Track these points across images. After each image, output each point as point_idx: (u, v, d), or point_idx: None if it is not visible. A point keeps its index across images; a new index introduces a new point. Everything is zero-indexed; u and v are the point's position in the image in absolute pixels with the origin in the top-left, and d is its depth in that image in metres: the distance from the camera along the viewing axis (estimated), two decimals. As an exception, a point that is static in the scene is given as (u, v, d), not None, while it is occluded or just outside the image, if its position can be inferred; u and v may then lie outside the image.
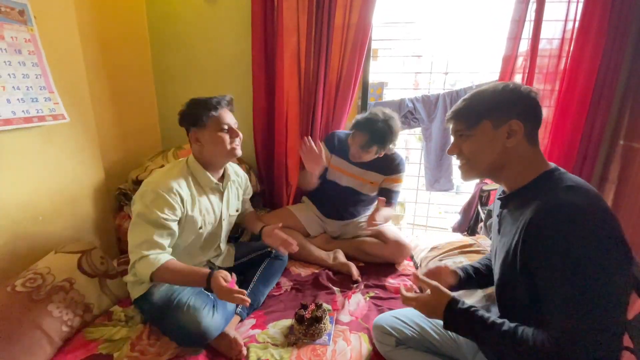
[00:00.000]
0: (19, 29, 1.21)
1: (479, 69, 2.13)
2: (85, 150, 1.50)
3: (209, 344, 1.10)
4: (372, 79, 2.00)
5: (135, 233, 1.08)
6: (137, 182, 1.66)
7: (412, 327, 1.02)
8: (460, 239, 1.64)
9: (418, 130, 2.08)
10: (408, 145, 3.94)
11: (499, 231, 0.84)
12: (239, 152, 1.21)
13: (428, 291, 0.85)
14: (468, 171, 0.84)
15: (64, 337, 1.11)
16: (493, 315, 0.76)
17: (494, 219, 0.89)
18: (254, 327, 1.22)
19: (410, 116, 2.01)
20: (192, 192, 1.17)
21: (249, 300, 1.02)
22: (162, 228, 1.08)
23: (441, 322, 0.99)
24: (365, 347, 1.12)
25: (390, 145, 1.56)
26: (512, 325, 0.71)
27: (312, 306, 1.21)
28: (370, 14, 1.65)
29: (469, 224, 1.89)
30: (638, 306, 0.70)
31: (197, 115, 1.13)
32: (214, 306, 1.12)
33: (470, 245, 1.53)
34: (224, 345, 1.09)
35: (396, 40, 2.33)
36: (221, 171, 1.27)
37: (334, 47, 1.72)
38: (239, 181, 1.40)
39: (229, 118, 1.19)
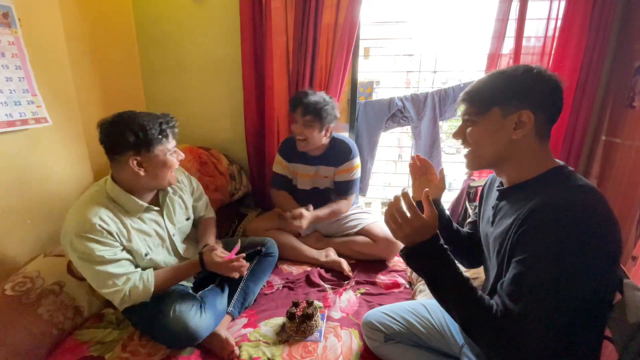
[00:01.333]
0: (3, 31, 1.19)
1: (465, 68, 2.16)
2: (72, 152, 1.49)
3: (201, 344, 1.11)
4: (364, 77, 2.01)
5: (93, 278, 1.01)
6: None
7: (400, 322, 1.03)
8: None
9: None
10: (401, 143, 3.97)
11: (492, 223, 0.82)
12: (175, 181, 1.13)
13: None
14: (472, 160, 0.80)
15: (55, 340, 1.11)
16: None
17: (488, 210, 0.86)
18: (245, 326, 1.23)
19: (399, 115, 2.03)
20: (121, 220, 1.04)
21: (247, 265, 1.12)
22: (114, 262, 1.00)
23: (428, 317, 1.02)
24: (356, 343, 1.14)
25: (327, 118, 1.52)
26: (474, 285, 0.71)
27: (304, 304, 1.23)
28: (357, 13, 1.67)
29: (457, 220, 1.92)
30: (616, 299, 0.71)
31: (149, 141, 0.99)
32: (201, 306, 1.11)
33: (459, 241, 1.56)
34: (216, 346, 1.10)
35: (388, 39, 2.36)
36: (154, 193, 1.14)
37: (321, 47, 1.74)
38: (181, 187, 1.26)
39: (174, 140, 1.08)
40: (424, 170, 1.04)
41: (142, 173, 1.02)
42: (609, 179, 1.64)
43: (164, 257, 1.18)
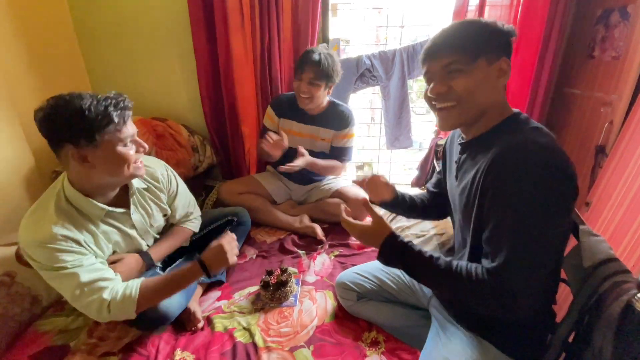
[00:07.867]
0: None
1: (433, 23, 2.08)
2: (3, 131, 1.32)
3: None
4: (333, 35, 1.89)
5: (62, 288, 0.86)
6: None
7: (372, 280, 1.06)
8: (417, 192, 1.70)
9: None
10: (373, 105, 3.91)
11: (456, 177, 0.82)
12: (143, 172, 0.93)
13: (369, 220, 0.82)
14: (459, 114, 0.73)
15: (13, 333, 1.04)
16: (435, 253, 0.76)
17: (452, 165, 0.87)
18: (219, 298, 1.21)
19: (368, 74, 1.95)
20: (87, 228, 0.89)
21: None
22: (82, 267, 0.84)
23: (398, 273, 1.05)
24: (330, 304, 1.17)
25: (332, 76, 1.50)
26: (447, 259, 0.71)
27: (278, 271, 1.22)
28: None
29: (426, 178, 1.95)
30: (571, 244, 0.75)
31: (88, 129, 0.78)
32: None
33: (427, 199, 1.59)
34: (183, 318, 1.09)
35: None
36: (117, 190, 0.96)
37: (284, 1, 1.58)
38: (156, 185, 1.07)
39: (130, 126, 0.87)
40: (375, 182, 1.05)
41: (89, 169, 0.83)
42: (568, 131, 1.70)
43: None
